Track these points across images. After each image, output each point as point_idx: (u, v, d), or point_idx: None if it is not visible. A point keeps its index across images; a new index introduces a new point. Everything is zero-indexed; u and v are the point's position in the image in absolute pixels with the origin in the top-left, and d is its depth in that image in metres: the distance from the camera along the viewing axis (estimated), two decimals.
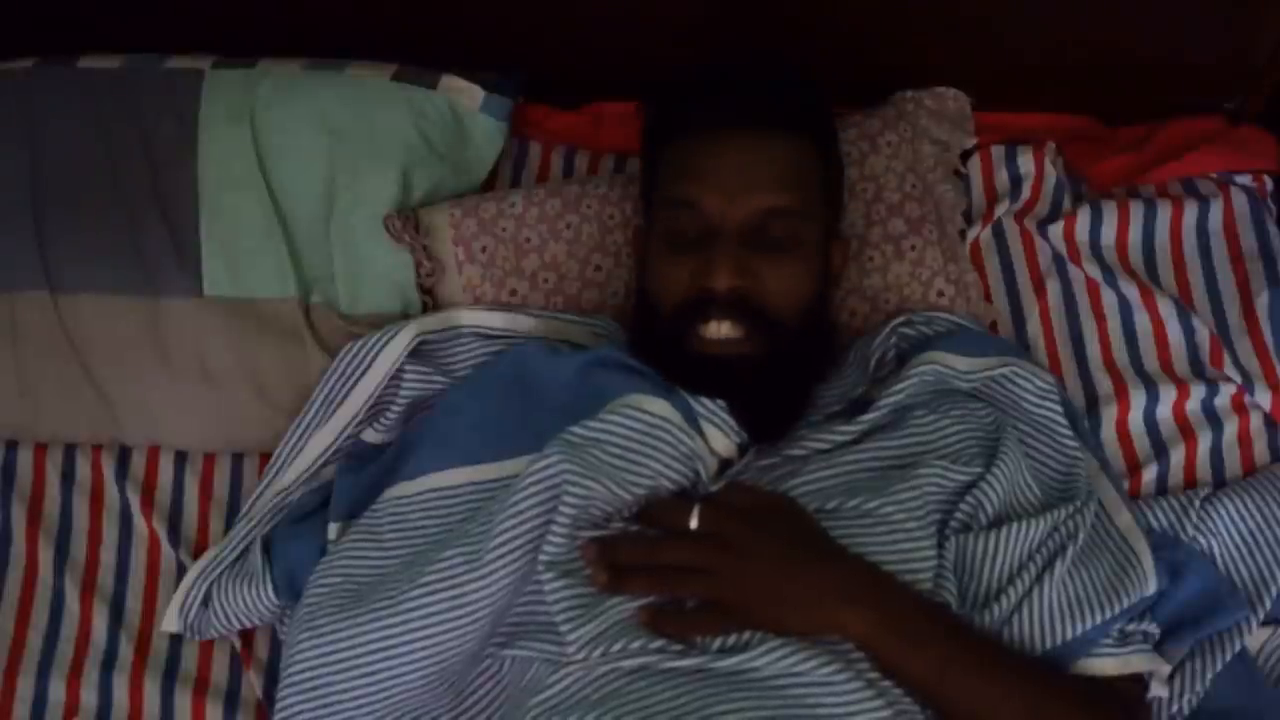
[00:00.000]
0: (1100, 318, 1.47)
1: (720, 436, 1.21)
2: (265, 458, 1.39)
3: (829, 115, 1.35)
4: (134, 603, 1.36)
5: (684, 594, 1.13)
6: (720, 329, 1.21)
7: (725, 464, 1.23)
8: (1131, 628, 1.20)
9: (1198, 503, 1.34)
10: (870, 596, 1.12)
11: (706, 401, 1.21)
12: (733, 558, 1.11)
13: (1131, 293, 1.47)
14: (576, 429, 1.18)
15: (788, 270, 1.24)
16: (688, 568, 1.12)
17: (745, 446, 1.23)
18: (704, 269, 1.21)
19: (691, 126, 1.26)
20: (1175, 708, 1.26)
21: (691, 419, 1.21)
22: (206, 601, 1.32)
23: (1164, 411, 1.42)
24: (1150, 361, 1.45)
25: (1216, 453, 1.41)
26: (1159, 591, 1.22)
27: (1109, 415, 1.41)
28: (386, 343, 1.33)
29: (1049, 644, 1.16)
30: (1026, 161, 1.54)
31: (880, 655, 1.11)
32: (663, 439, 1.19)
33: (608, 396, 1.22)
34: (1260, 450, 1.41)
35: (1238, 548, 1.32)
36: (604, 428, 1.19)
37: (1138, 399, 1.42)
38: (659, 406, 1.20)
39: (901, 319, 1.36)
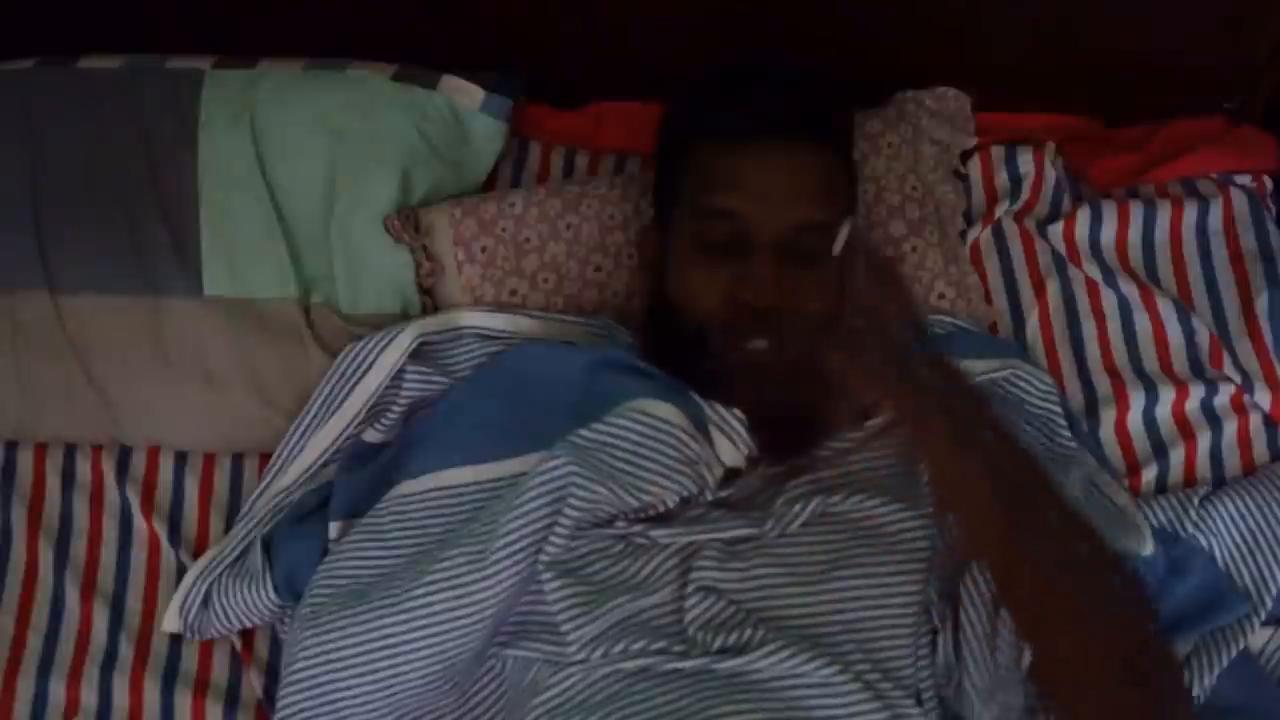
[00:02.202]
0: (1100, 318, 1.47)
1: (728, 445, 1.20)
2: (265, 458, 1.39)
3: (852, 125, 1.36)
4: (134, 603, 1.36)
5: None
6: (759, 343, 1.21)
7: (732, 473, 1.22)
8: None
9: (1197, 500, 1.34)
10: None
11: (720, 409, 1.21)
12: None
13: (1131, 293, 1.47)
14: (584, 432, 1.18)
15: (819, 283, 1.23)
16: None
17: (754, 459, 1.22)
18: (745, 283, 1.21)
19: (732, 133, 1.25)
20: None
21: (700, 424, 1.21)
22: (206, 601, 1.32)
23: (1163, 412, 1.42)
24: (1150, 362, 1.45)
25: (1216, 453, 1.41)
26: (1157, 585, 1.23)
27: (1109, 415, 1.41)
28: (387, 344, 1.33)
29: None
30: (1026, 162, 1.54)
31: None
32: (668, 443, 1.19)
33: (613, 399, 1.22)
34: (1260, 450, 1.41)
35: (1237, 547, 1.32)
36: (610, 431, 1.19)
37: (1137, 399, 1.41)
38: (665, 410, 1.20)
39: None
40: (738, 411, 1.20)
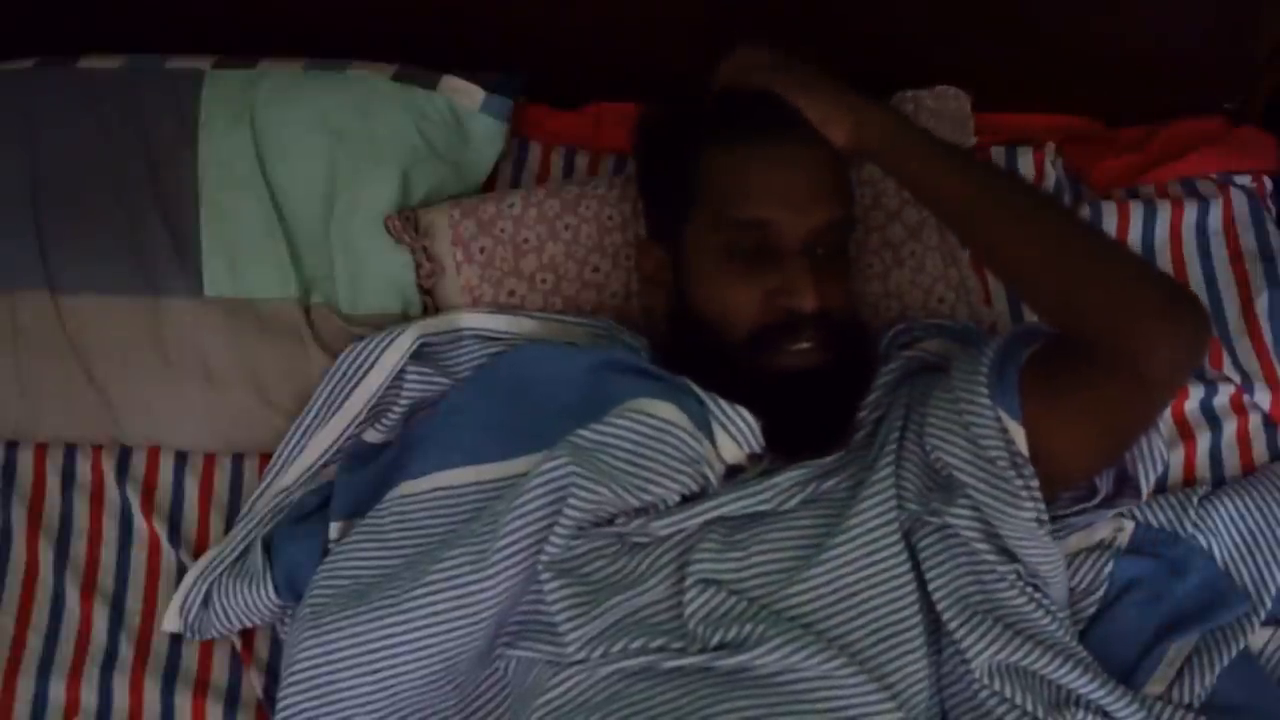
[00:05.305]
0: None
1: (730, 443, 1.21)
2: (265, 458, 1.40)
3: None
4: (134, 603, 1.36)
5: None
6: (804, 344, 1.21)
7: (733, 470, 1.22)
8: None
9: (1196, 500, 1.34)
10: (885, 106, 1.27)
11: (726, 406, 1.21)
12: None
13: None
14: (584, 432, 1.19)
15: (844, 279, 1.25)
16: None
17: (757, 455, 1.23)
18: (787, 290, 1.20)
19: (747, 137, 1.24)
20: (1185, 703, 1.25)
21: (702, 423, 1.21)
22: (207, 601, 1.32)
23: (1163, 412, 1.42)
24: None
25: (1216, 453, 1.40)
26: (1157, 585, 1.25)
27: None
28: (388, 344, 1.33)
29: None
30: (1026, 162, 1.54)
31: (895, 148, 1.22)
32: (668, 443, 1.19)
33: (614, 399, 1.22)
34: (1259, 451, 1.41)
35: (1237, 547, 1.32)
36: (611, 432, 1.19)
37: None
38: (666, 410, 1.20)
39: (901, 326, 1.36)
40: (744, 411, 1.20)
